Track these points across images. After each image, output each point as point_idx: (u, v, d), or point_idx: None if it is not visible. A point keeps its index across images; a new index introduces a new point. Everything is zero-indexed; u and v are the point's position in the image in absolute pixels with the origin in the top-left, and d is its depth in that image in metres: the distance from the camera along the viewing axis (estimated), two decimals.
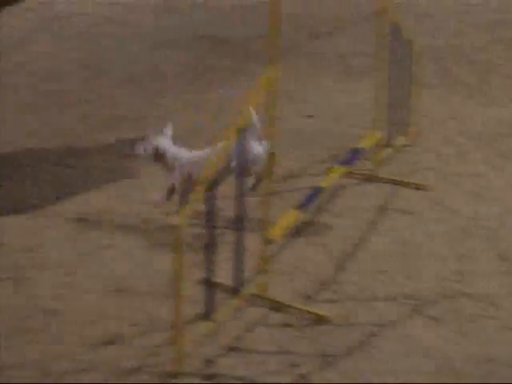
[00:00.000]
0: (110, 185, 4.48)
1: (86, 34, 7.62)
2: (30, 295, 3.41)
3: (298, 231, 3.94)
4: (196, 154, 4.31)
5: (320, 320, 3.28)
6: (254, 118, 3.84)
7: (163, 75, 6.41)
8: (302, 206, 3.64)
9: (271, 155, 3.39)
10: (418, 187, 4.46)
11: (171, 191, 4.20)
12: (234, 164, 3.53)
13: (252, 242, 3.47)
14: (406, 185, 4.49)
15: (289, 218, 3.48)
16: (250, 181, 3.87)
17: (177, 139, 5.05)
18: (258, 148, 3.97)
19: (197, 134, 5.19)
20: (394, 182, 4.52)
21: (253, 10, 8.71)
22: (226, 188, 3.33)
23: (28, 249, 3.77)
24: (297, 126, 5.23)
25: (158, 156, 4.24)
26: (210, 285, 3.04)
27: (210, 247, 3.00)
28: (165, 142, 4.28)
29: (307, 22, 7.66)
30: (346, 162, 4.27)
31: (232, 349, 3.10)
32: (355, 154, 4.33)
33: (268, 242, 3.31)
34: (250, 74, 6.46)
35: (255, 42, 7.44)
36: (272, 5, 3.02)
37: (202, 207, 2.98)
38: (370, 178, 4.57)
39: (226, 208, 3.43)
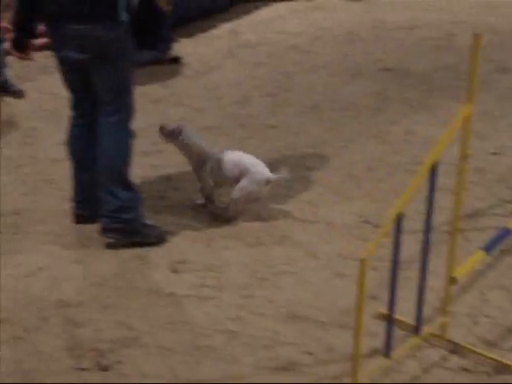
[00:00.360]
0: (289, 211, 4.50)
1: (270, 62, 7.80)
2: (210, 314, 3.47)
3: (482, 273, 3.79)
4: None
5: (503, 368, 3.11)
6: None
7: (346, 105, 6.42)
8: (488, 247, 3.49)
9: None
10: None
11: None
12: None
13: (435, 280, 3.38)
14: None
15: (474, 258, 3.34)
16: None
17: (357, 169, 5.08)
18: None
19: (378, 165, 5.15)
20: None
21: (438, 42, 8.60)
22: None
23: (209, 268, 3.85)
24: (481, 164, 5.05)
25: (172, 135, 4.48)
26: (390, 321, 2.97)
27: (393, 282, 2.93)
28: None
29: (496, 56, 7.42)
30: None
31: None
32: None
33: (452, 281, 3.20)
34: (434, 107, 6.36)
35: (440, 74, 7.32)
36: (474, 42, 2.90)
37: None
38: None
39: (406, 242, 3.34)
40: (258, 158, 5.20)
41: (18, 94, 6.59)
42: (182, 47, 8.20)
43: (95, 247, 4.04)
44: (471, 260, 3.29)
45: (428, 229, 3.04)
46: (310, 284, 3.71)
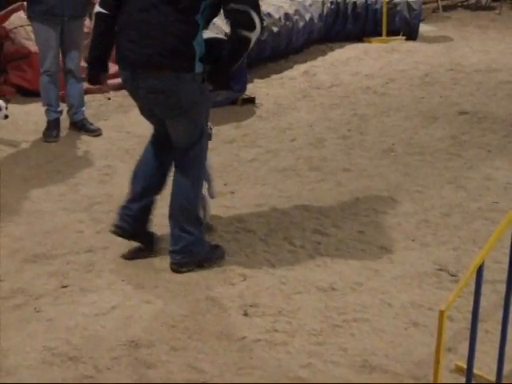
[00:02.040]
0: (363, 257, 4.45)
1: (344, 104, 7.82)
2: (281, 360, 3.43)
3: None
4: None
5: None
6: None
7: (421, 149, 6.35)
8: None
9: None
10: None
11: None
12: None
13: None
14: None
15: None
16: None
17: (433, 215, 4.99)
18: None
19: (455, 211, 5.06)
20: None
21: None
22: None
23: (281, 312, 3.82)
24: None
25: None
26: (469, 376, 2.88)
27: (473, 335, 2.85)
28: None
29: None
30: None
31: None
32: None
33: None
34: None
35: None
36: None
37: None
38: None
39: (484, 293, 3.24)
40: (331, 201, 5.22)
41: (95, 132, 6.75)
42: (257, 88, 8.29)
43: (167, 288, 4.06)
44: None
45: (510, 280, 2.94)
46: (384, 333, 3.63)
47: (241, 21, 3.92)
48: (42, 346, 3.51)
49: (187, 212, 4.22)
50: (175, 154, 4.27)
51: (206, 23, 4.11)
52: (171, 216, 4.27)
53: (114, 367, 3.37)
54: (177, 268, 4.23)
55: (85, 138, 6.65)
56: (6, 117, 6.10)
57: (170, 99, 4.02)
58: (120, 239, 4.43)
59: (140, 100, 4.19)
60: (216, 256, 4.35)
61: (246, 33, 3.92)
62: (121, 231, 4.38)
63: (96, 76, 4.38)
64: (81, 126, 6.78)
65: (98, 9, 4.18)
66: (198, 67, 4.00)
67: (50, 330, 3.65)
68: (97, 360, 3.41)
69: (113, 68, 7.31)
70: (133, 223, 4.34)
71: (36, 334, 3.61)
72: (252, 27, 3.91)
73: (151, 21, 3.94)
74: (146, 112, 4.28)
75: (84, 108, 6.83)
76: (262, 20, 3.96)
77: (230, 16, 3.97)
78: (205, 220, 4.54)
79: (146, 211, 4.38)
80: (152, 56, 3.94)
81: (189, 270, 4.21)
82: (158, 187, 4.40)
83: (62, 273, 4.22)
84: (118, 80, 7.50)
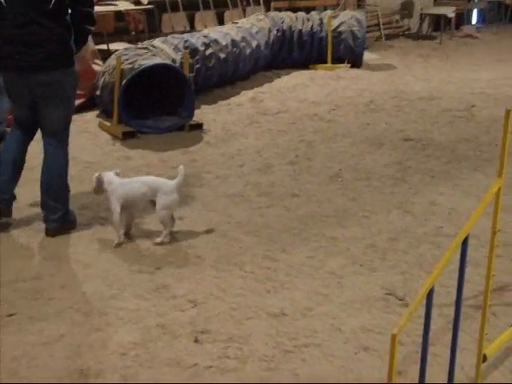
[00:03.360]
0: (313, 282, 4.46)
1: (291, 130, 7.90)
2: None
3: (510, 348, 3.72)
4: (125, 180, 5.17)
5: None
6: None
7: (367, 174, 6.44)
8: None
9: None
10: None
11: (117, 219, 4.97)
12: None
13: (463, 356, 3.33)
14: None
15: (506, 335, 3.29)
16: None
17: (380, 240, 5.05)
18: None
19: (402, 236, 5.13)
20: None
21: (458, 113, 8.68)
22: None
23: (232, 339, 3.80)
24: (509, 238, 5.00)
25: (99, 186, 5.02)
26: None
27: (423, 360, 2.87)
28: (107, 174, 5.06)
29: None
30: None
31: None
32: None
33: (483, 358, 3.14)
34: (456, 178, 6.38)
35: (461, 145, 7.36)
36: (506, 117, 2.91)
37: None
38: None
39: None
40: (280, 227, 5.24)
41: None
42: (204, 114, 8.31)
43: (116, 315, 4.01)
44: (503, 337, 3.24)
45: (459, 304, 2.98)
46: (334, 358, 3.64)
47: (88, 20, 4.99)
48: None
49: (62, 187, 5.12)
50: (47, 139, 5.09)
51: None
52: (46, 191, 5.07)
53: None
54: (53, 234, 5.03)
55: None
56: None
57: (57, 91, 4.94)
58: (68, 267, 4.37)
59: (25, 95, 4.99)
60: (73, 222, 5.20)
61: (91, 27, 5.04)
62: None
63: None
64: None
65: None
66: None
67: None
68: None
69: None
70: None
71: None
72: (94, 23, 5.06)
73: (34, 33, 4.79)
74: (26, 104, 5.04)
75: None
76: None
77: (78, 16, 4.93)
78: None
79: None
80: (43, 60, 4.83)
81: (60, 234, 5.04)
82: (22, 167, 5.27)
83: (8, 301, 4.14)
84: None
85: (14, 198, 5.24)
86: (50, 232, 5.04)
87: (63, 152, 5.13)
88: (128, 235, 5.03)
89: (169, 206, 4.96)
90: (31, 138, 5.25)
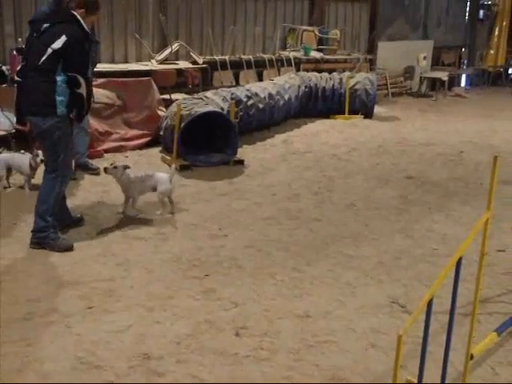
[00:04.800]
0: (332, 290, 4.45)
1: (315, 167, 7.89)
2: (266, 373, 3.40)
3: (491, 350, 3.67)
4: (139, 176, 5.73)
5: None
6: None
7: (377, 204, 6.42)
8: (499, 330, 3.41)
9: None
10: None
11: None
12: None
13: (453, 355, 3.29)
14: None
15: (489, 338, 3.26)
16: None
17: (387, 258, 5.02)
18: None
19: (404, 255, 5.10)
20: None
21: (450, 157, 8.62)
22: None
23: (266, 334, 3.79)
24: (490, 259, 4.94)
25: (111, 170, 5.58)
26: None
27: (423, 355, 2.85)
28: (127, 170, 5.61)
29: (500, 172, 7.37)
30: None
31: None
32: None
33: (470, 357, 3.10)
34: (448, 209, 6.33)
35: (452, 183, 7.31)
36: (493, 162, 2.91)
37: None
38: None
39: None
40: (305, 245, 5.24)
41: (95, 171, 7.08)
42: (245, 152, 8.35)
43: (173, 311, 4.04)
44: (486, 340, 3.21)
45: (452, 312, 2.97)
46: (348, 352, 3.62)
47: (74, 82, 4.78)
48: (73, 356, 3.47)
49: (42, 207, 4.93)
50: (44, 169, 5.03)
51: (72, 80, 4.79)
52: (35, 207, 4.98)
53: (130, 375, 3.33)
54: (32, 246, 4.94)
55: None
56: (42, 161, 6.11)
57: (37, 132, 4.91)
58: (136, 272, 4.41)
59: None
60: (59, 246, 4.91)
61: (77, 90, 4.80)
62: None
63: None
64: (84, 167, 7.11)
65: (16, 78, 5.05)
66: (60, 111, 4.80)
67: (78, 343, 3.61)
68: (117, 368, 3.38)
69: (130, 132, 7.34)
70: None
71: (67, 346, 3.57)
72: (80, 85, 4.79)
73: (29, 83, 4.84)
74: None
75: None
76: (87, 79, 4.86)
77: (68, 79, 4.76)
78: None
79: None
80: (29, 107, 4.88)
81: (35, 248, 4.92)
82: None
83: (88, 297, 4.20)
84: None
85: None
86: (31, 244, 4.96)
87: (50, 178, 4.96)
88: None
89: (164, 192, 5.73)
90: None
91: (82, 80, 4.79)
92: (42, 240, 4.93)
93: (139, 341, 3.66)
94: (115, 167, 5.62)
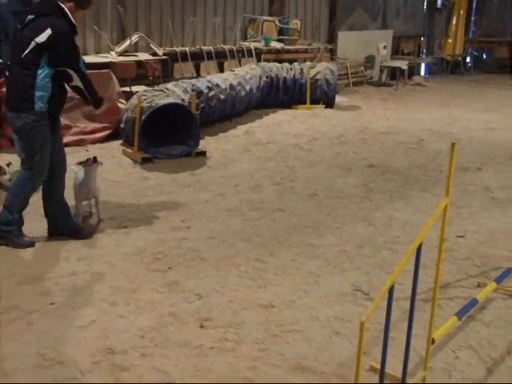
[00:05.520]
0: (295, 279, 4.47)
1: (278, 157, 7.90)
2: (231, 364, 3.40)
3: (451, 334, 3.74)
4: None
5: None
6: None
7: (339, 193, 6.46)
8: (460, 314, 3.47)
9: None
10: None
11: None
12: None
13: (415, 340, 3.35)
14: None
15: (450, 323, 3.32)
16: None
17: (349, 246, 5.07)
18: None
19: (366, 243, 5.15)
20: None
21: (411, 145, 8.73)
22: None
23: (230, 325, 3.79)
24: (450, 245, 5.04)
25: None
26: (382, 374, 2.91)
27: (385, 342, 2.89)
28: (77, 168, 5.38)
29: (459, 159, 7.50)
30: (499, 279, 4.05)
31: None
32: (506, 273, 4.10)
33: (432, 341, 3.16)
34: (409, 197, 6.42)
35: (413, 171, 7.40)
36: (451, 149, 2.96)
37: None
38: None
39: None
40: (268, 235, 5.25)
41: None
42: (207, 144, 8.32)
43: (136, 305, 4.01)
44: (447, 324, 3.27)
45: (413, 298, 3.01)
46: (313, 341, 3.65)
47: (64, 77, 4.68)
48: (35, 353, 3.42)
49: (11, 201, 4.85)
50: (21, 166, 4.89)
51: (58, 79, 4.69)
52: (4, 200, 4.91)
53: (94, 370, 3.30)
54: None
55: None
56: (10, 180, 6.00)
57: (13, 127, 4.73)
58: (98, 266, 4.36)
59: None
60: (22, 243, 4.83)
61: (69, 83, 4.73)
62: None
63: None
64: None
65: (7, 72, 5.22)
66: (38, 107, 4.64)
67: (41, 340, 3.56)
68: (80, 364, 3.34)
69: (90, 126, 7.27)
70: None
71: (29, 343, 3.52)
72: (71, 79, 4.68)
73: (11, 77, 4.79)
74: None
75: None
76: (82, 73, 4.71)
77: (58, 74, 4.65)
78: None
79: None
80: (8, 102, 4.78)
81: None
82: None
83: (50, 292, 4.14)
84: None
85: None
86: None
87: (24, 176, 4.85)
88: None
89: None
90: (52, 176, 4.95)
91: (72, 73, 4.65)
92: (4, 234, 4.85)
93: (103, 335, 3.63)
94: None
